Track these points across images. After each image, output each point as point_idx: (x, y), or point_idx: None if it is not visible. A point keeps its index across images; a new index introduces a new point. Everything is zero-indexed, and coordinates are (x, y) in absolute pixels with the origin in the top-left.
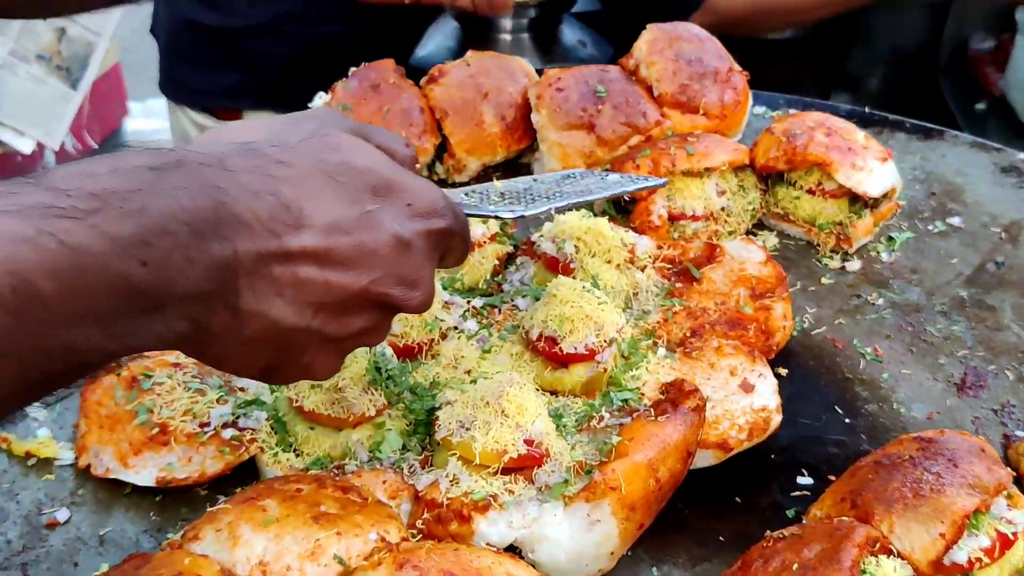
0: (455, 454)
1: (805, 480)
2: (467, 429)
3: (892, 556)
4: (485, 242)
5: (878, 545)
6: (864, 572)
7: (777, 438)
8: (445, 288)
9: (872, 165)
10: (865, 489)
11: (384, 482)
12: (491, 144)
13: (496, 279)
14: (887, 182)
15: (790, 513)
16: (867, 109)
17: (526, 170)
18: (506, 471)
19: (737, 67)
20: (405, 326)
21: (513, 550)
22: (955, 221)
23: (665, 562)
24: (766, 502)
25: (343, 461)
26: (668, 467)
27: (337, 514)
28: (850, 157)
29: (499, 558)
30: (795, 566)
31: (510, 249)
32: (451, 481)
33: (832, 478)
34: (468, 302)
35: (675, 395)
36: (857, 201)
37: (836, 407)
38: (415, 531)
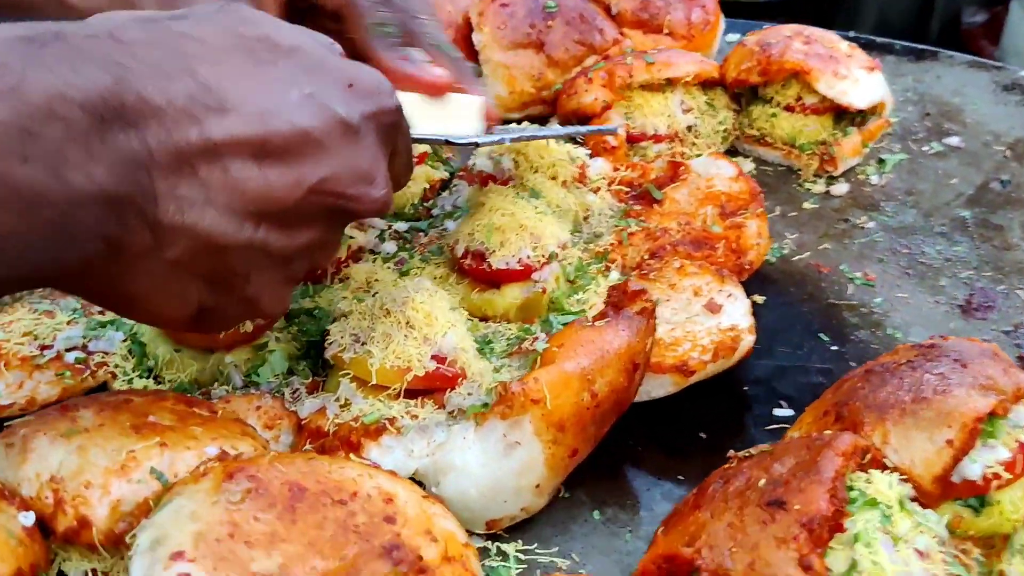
0: (347, 374)
1: (784, 412)
2: (363, 344)
3: (887, 472)
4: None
5: (868, 457)
6: (851, 489)
7: (751, 368)
8: None
9: (857, 74)
10: (853, 398)
11: (259, 408)
12: None
13: (426, 205)
14: (875, 93)
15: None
16: (852, 33)
17: None
18: (410, 394)
19: None
20: None
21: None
22: (953, 141)
23: (610, 504)
24: (737, 438)
25: (211, 388)
26: (607, 380)
27: (169, 426)
28: (832, 65)
29: (369, 470)
30: (761, 482)
31: (444, 176)
32: (341, 406)
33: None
34: (389, 226)
35: (618, 297)
36: (842, 119)
37: (821, 334)
38: None
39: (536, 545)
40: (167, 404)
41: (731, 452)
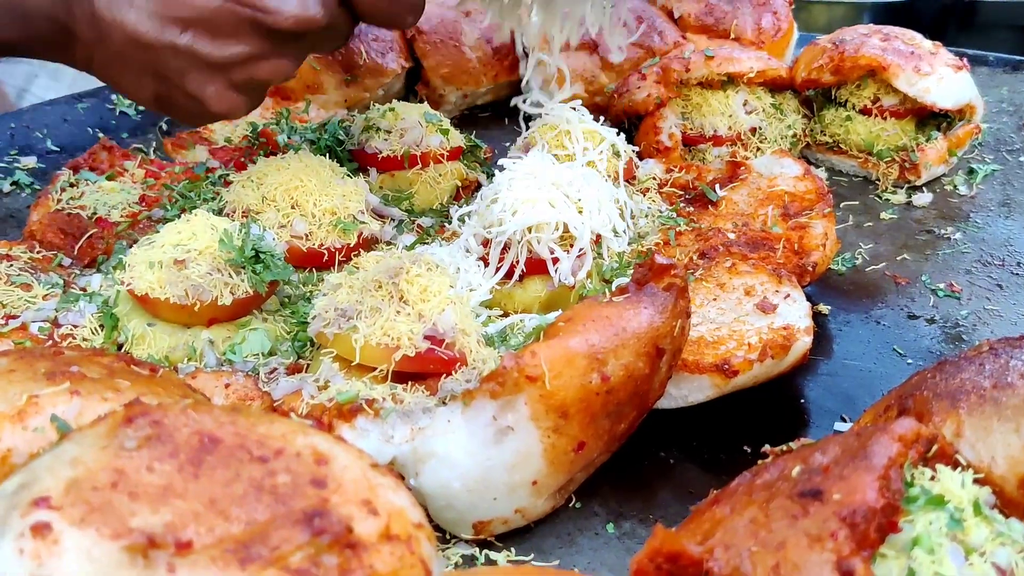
0: (330, 352)
1: (845, 427)
2: (349, 319)
3: (960, 469)
4: (442, 157)
5: (935, 450)
6: (911, 485)
7: (813, 382)
8: (385, 201)
9: (943, 71)
10: (921, 387)
11: (228, 386)
12: (473, 72)
13: (456, 205)
14: (962, 94)
15: None
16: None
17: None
18: (400, 378)
19: None
20: (312, 225)
21: None
22: None
23: (628, 518)
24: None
25: (181, 364)
26: (623, 363)
27: (91, 378)
28: (913, 61)
29: (306, 429)
30: (796, 470)
31: (479, 177)
32: (320, 388)
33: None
34: (413, 220)
35: (642, 273)
36: (926, 123)
37: (896, 348)
38: None
39: (533, 556)
40: (102, 360)
41: (767, 447)
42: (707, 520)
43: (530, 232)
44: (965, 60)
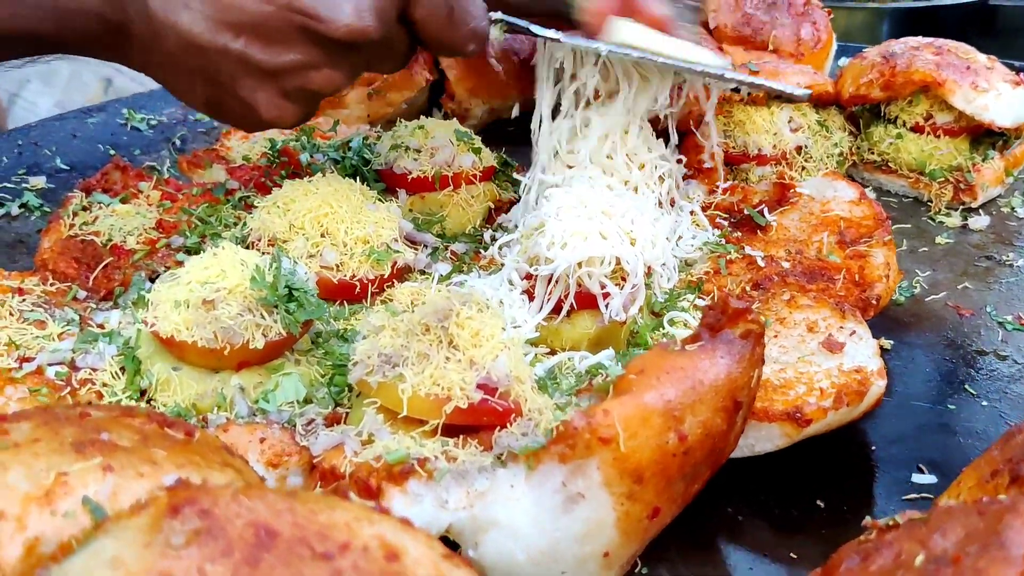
0: (374, 403)
1: (925, 478)
2: (394, 366)
3: None
4: (474, 177)
5: None
6: None
7: (880, 424)
8: (416, 227)
9: (1001, 87)
10: None
11: (263, 440)
12: (499, 85)
13: (489, 227)
14: (1021, 112)
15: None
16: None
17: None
18: (450, 431)
19: (818, 1)
20: (343, 254)
21: (449, 546)
22: None
23: None
24: (864, 509)
25: (211, 414)
26: (700, 419)
27: (124, 447)
28: (969, 76)
29: (370, 515)
30: (918, 559)
31: (513, 197)
32: (363, 442)
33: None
34: (446, 246)
35: (715, 317)
36: (980, 142)
37: (967, 387)
38: None
39: None
40: (133, 422)
41: (868, 519)
42: None
43: (580, 267)
44: (1022, 75)
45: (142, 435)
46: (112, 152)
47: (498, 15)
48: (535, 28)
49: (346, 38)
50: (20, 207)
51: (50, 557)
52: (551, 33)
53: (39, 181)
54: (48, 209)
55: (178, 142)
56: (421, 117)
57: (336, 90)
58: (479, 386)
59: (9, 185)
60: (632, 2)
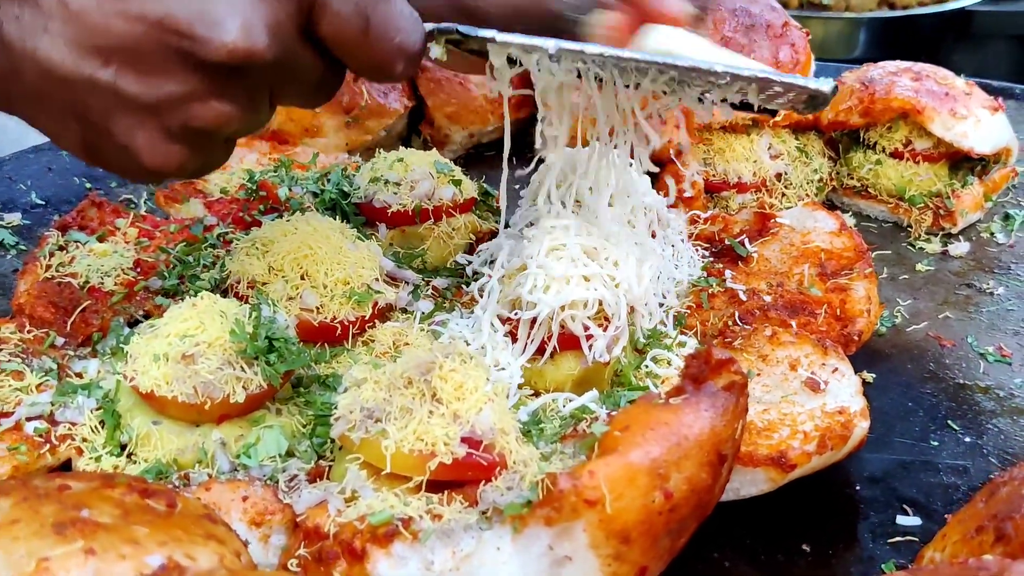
0: (357, 459)
1: (910, 520)
2: (377, 421)
3: None
4: (455, 210)
5: None
6: None
7: (864, 463)
8: (396, 262)
9: (979, 113)
10: (1020, 510)
11: (245, 499)
12: (479, 111)
13: (469, 260)
14: (1000, 137)
15: (887, 568)
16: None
17: (528, 148)
18: (434, 487)
19: (795, 22)
20: (323, 296)
21: None
22: None
23: None
24: (850, 553)
25: (192, 470)
26: (686, 476)
27: (105, 524)
28: (948, 103)
29: None
30: None
31: (495, 227)
32: (347, 499)
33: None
34: (427, 281)
35: (698, 368)
36: (960, 167)
37: (950, 422)
38: None
39: None
40: (114, 493)
41: None
42: None
43: (563, 311)
44: (1000, 100)
45: (123, 509)
46: (88, 185)
47: (445, 24)
48: (463, 28)
49: (230, 61)
50: None
51: None
52: (482, 32)
53: (14, 218)
54: (24, 247)
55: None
56: (400, 147)
57: (234, 128)
58: (463, 440)
59: None
60: (646, 6)
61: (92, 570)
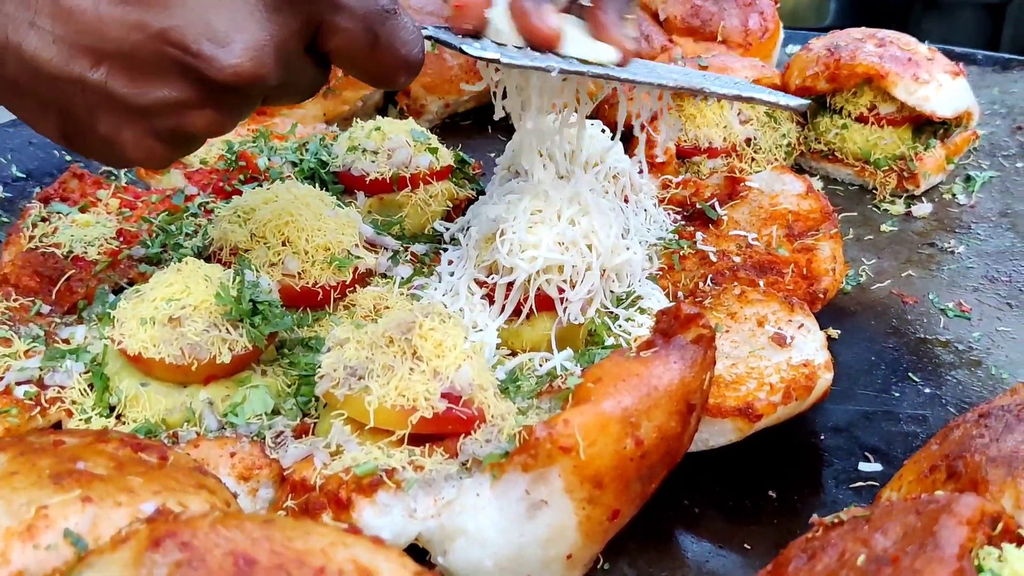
0: (341, 415)
1: (871, 467)
2: (360, 378)
3: None
4: (432, 177)
5: (1000, 527)
6: (981, 570)
7: (828, 414)
8: (376, 229)
9: (940, 78)
10: (969, 448)
11: (233, 455)
12: (454, 80)
13: (447, 226)
14: (961, 102)
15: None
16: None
17: (503, 117)
18: (416, 440)
19: None
20: (305, 262)
21: (419, 556)
22: None
23: None
24: (815, 498)
25: (181, 429)
26: (656, 424)
27: (100, 475)
28: (911, 68)
29: (344, 537)
30: (860, 559)
31: (470, 194)
32: (332, 453)
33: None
34: (405, 247)
35: (668, 323)
36: (922, 131)
37: (911, 375)
38: None
39: None
40: (107, 447)
41: (814, 517)
42: None
43: (540, 275)
44: (961, 65)
45: (117, 462)
46: (68, 159)
47: (426, 30)
48: (468, 48)
49: (234, 83)
50: None
51: None
52: (487, 53)
53: None
54: (6, 219)
55: None
56: (377, 117)
57: (220, 133)
58: (443, 395)
59: None
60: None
61: (90, 516)
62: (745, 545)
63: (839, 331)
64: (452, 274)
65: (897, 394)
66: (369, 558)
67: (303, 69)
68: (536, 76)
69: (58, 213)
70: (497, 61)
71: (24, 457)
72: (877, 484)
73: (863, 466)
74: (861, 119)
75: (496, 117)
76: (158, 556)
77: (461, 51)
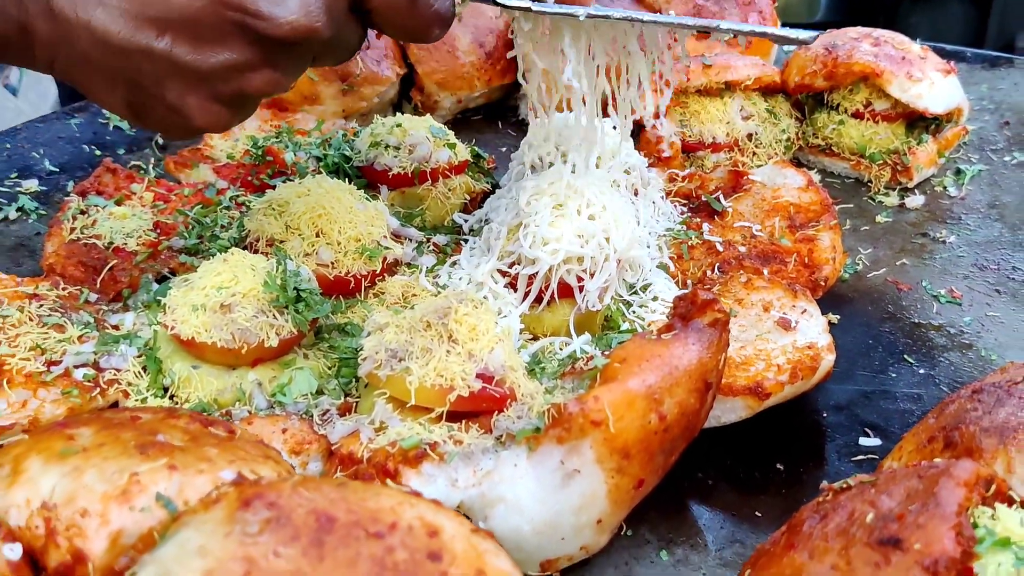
0: (384, 393)
1: (871, 441)
2: (400, 360)
3: (1016, 507)
4: (449, 171)
5: (993, 489)
6: (976, 526)
7: (830, 393)
8: (400, 221)
9: (933, 76)
10: (964, 420)
11: (284, 431)
12: (467, 77)
13: (466, 218)
14: (952, 98)
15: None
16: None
17: (512, 112)
18: (453, 417)
19: None
20: (338, 253)
21: None
22: None
23: (679, 544)
24: (819, 470)
25: (232, 408)
26: (677, 400)
27: (180, 446)
28: (904, 67)
29: (409, 498)
30: (869, 517)
31: (486, 187)
32: (376, 429)
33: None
34: (428, 239)
35: (685, 308)
36: (916, 126)
37: (906, 357)
38: None
39: None
40: (179, 423)
41: (824, 484)
42: (787, 567)
43: (561, 266)
44: (952, 63)
45: (190, 435)
46: (98, 153)
47: None
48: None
49: (291, 37)
50: (17, 211)
51: (132, 547)
52: (518, 1)
53: (32, 184)
54: (44, 212)
55: (160, 140)
56: (397, 114)
57: (277, 92)
58: (478, 376)
59: (3, 189)
60: None
61: (177, 482)
62: (756, 513)
63: (838, 316)
64: (477, 265)
65: (893, 375)
66: (433, 516)
67: (349, 27)
68: (568, 31)
69: (95, 206)
70: (528, 10)
71: (108, 431)
72: (876, 457)
73: (863, 441)
74: (857, 115)
75: (521, 116)
76: (249, 515)
77: (494, 3)
